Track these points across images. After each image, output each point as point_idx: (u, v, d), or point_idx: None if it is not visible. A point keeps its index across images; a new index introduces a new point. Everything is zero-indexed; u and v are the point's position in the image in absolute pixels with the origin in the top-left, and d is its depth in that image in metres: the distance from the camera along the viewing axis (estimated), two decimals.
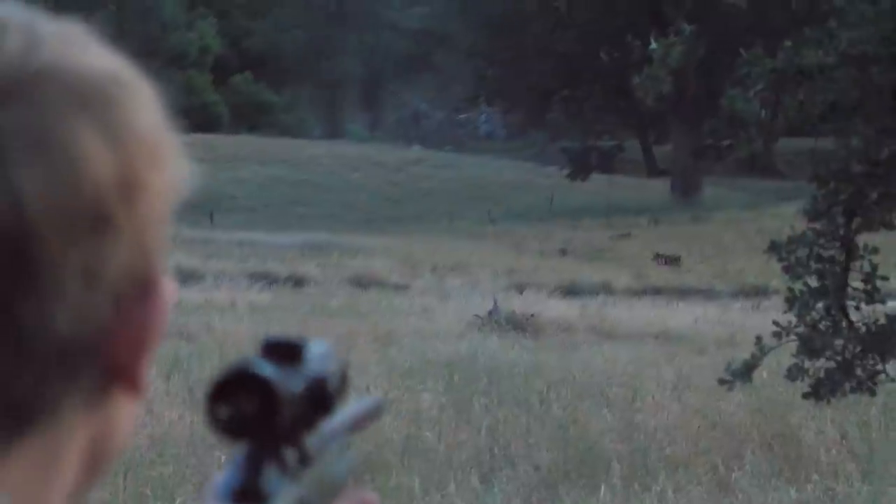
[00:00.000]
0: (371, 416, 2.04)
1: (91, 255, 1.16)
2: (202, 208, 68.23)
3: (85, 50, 1.24)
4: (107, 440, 1.28)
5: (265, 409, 1.46)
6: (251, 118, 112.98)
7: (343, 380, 2.08)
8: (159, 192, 1.23)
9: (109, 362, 1.23)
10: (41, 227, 1.13)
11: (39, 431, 1.20)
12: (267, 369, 1.48)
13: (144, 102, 1.26)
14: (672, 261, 51.07)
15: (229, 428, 1.46)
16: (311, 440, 1.65)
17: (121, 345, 1.22)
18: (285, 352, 1.58)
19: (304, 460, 1.59)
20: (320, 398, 1.61)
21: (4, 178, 1.12)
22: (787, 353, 7.43)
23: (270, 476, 1.49)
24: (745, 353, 7.60)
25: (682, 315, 32.04)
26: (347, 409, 2.00)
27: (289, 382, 1.50)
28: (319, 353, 1.69)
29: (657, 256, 52.32)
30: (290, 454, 1.56)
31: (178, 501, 12.88)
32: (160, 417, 17.66)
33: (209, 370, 20.85)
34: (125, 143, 1.19)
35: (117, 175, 1.17)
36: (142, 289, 1.23)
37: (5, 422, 1.18)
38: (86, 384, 1.22)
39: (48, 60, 1.19)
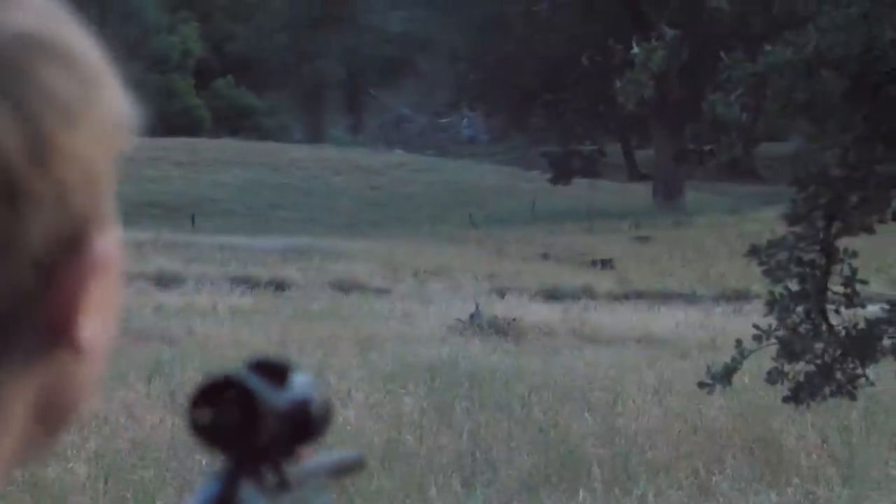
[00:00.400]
0: (351, 468, 2.05)
1: (5, 227, 1.17)
2: (184, 212, 68.28)
3: (5, 8, 1.21)
4: (56, 397, 1.29)
5: (246, 420, 1.48)
6: (233, 122, 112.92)
7: (327, 412, 2.09)
8: (82, 153, 1.22)
9: (44, 324, 1.23)
10: None
11: None
12: (252, 381, 1.51)
13: (64, 61, 1.23)
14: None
15: (209, 435, 1.49)
16: (292, 469, 1.67)
17: (53, 307, 1.23)
18: (272, 372, 1.60)
19: (283, 485, 1.60)
20: (303, 422, 1.62)
21: None
22: (767, 357, 7.46)
23: (248, 492, 1.51)
24: (726, 356, 7.64)
25: (664, 319, 32.10)
26: (330, 455, 2.02)
27: (273, 399, 1.53)
28: (305, 380, 1.72)
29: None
30: (269, 476, 1.58)
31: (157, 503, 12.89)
32: (141, 421, 17.66)
33: (190, 374, 20.87)
34: (34, 109, 1.18)
35: (25, 143, 1.17)
36: (70, 252, 1.23)
37: None
38: (23, 346, 1.23)
39: None
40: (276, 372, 1.61)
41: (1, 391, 1.22)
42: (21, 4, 1.22)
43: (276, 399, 1.56)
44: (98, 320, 1.27)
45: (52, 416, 1.30)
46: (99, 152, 1.24)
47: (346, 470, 2.02)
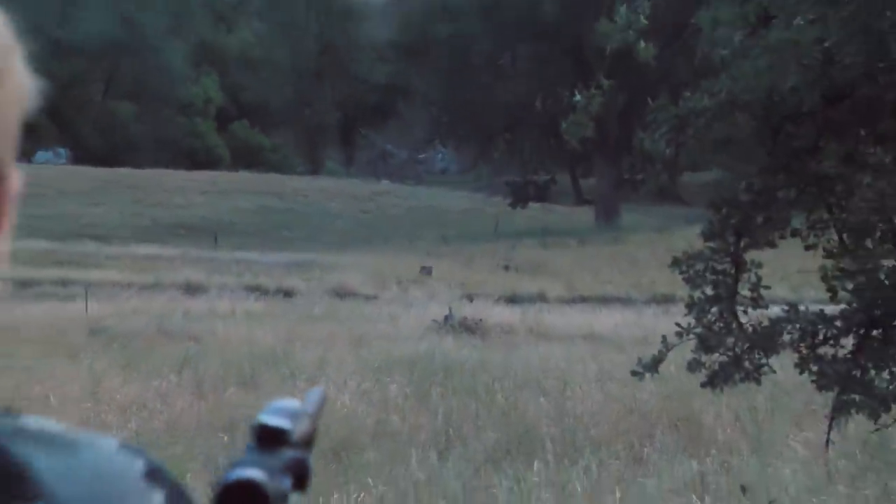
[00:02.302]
0: (321, 407, 2.05)
1: None
2: (207, 232, 68.04)
3: None
4: None
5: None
6: (247, 157, 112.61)
7: (322, 400, 2.10)
8: (2, 111, 1.25)
9: None
10: None
11: None
12: (258, 476, 1.52)
13: None
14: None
15: None
16: None
17: None
18: (272, 436, 1.62)
19: None
20: (300, 476, 1.64)
21: None
22: (688, 350, 7.49)
23: None
24: (655, 350, 7.68)
25: (605, 319, 32.09)
26: (309, 402, 2.01)
27: (273, 477, 1.54)
28: (301, 431, 1.72)
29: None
30: None
31: (188, 476, 12.82)
32: (173, 405, 17.61)
33: (213, 366, 20.82)
34: None
35: None
36: None
37: None
38: None
39: None
40: (275, 436, 1.64)
41: None
42: None
43: (277, 474, 1.58)
44: (7, 236, 1.31)
45: None
46: (13, 111, 1.27)
47: (322, 407, 2.03)
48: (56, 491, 1.21)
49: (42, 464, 1.22)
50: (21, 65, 1.29)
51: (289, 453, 1.63)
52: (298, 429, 1.70)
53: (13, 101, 1.27)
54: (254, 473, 1.52)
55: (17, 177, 1.31)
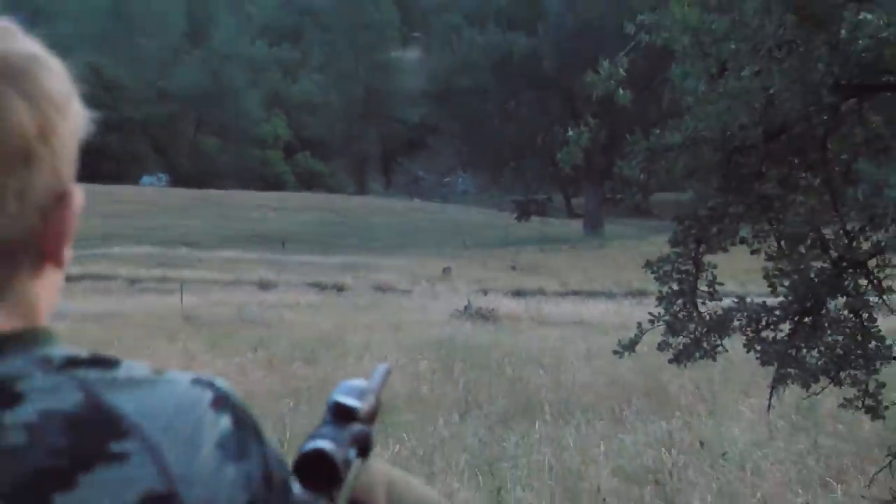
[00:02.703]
0: (386, 380, 2.04)
1: (23, 182, 1.21)
2: (277, 240, 68.16)
3: (10, 38, 1.25)
4: (49, 298, 1.33)
5: (331, 475, 1.53)
6: (308, 181, 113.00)
7: (387, 373, 2.09)
8: (68, 134, 1.27)
9: (42, 249, 1.28)
10: None
11: (9, 295, 1.27)
12: (328, 447, 1.54)
13: (55, 74, 1.27)
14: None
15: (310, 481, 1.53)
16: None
17: (48, 238, 1.28)
18: (344, 413, 1.64)
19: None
20: (364, 447, 1.65)
21: None
22: (658, 334, 7.49)
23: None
24: (631, 333, 7.69)
25: (592, 309, 32.03)
26: (373, 382, 2.00)
27: (341, 448, 1.57)
28: (368, 408, 1.72)
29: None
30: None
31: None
32: (250, 377, 17.60)
33: (282, 346, 20.83)
34: (41, 103, 1.22)
35: (36, 125, 1.21)
36: (59, 200, 1.27)
37: None
38: (29, 264, 1.28)
39: None
40: (346, 413, 1.65)
41: (24, 294, 1.28)
42: (23, 37, 1.27)
43: (344, 445, 1.59)
44: (69, 248, 1.32)
45: (50, 308, 1.35)
46: (74, 139, 1.29)
47: (386, 381, 2.02)
48: (142, 426, 1.22)
49: (129, 405, 1.23)
50: (77, 103, 1.31)
51: (356, 427, 1.64)
52: (365, 406, 1.70)
53: (73, 131, 1.29)
54: (325, 444, 1.54)
55: (79, 193, 1.32)
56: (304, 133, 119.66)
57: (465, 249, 66.37)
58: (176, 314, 27.72)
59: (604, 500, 9.48)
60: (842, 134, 6.97)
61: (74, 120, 1.29)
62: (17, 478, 1.17)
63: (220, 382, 1.34)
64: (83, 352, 1.29)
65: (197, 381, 1.31)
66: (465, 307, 29.97)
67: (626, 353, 7.66)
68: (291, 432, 11.76)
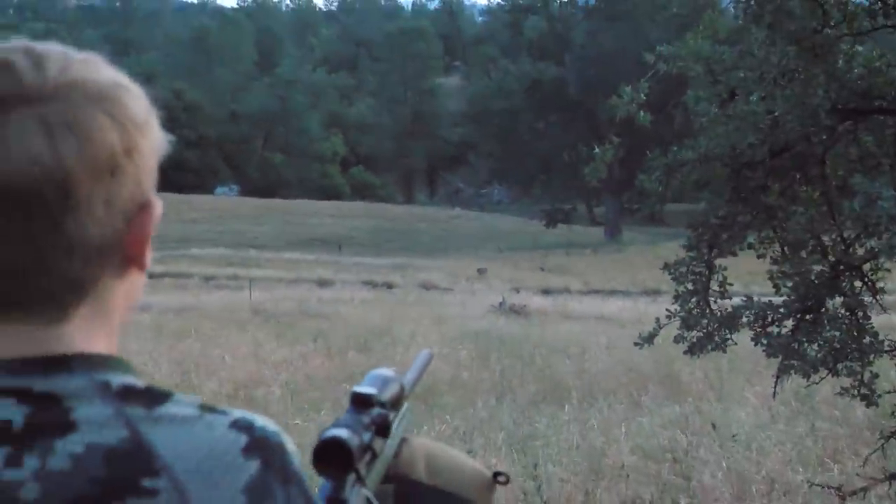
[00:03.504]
0: (428, 365, 2.03)
1: (110, 191, 1.23)
2: (334, 243, 68.35)
3: (99, 68, 1.28)
4: (132, 297, 1.36)
5: (346, 460, 1.52)
6: (362, 192, 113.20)
7: (429, 359, 2.07)
8: (148, 150, 1.29)
9: (125, 253, 1.29)
10: (80, 176, 1.20)
11: (92, 297, 1.28)
12: (342, 434, 1.53)
13: (136, 98, 1.29)
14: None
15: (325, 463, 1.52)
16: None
17: (131, 242, 1.29)
18: (361, 400, 1.63)
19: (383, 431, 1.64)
20: (382, 427, 1.63)
21: (53, 147, 1.18)
22: (673, 328, 7.46)
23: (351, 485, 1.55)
24: (646, 328, 7.66)
25: (612, 305, 31.95)
26: (415, 366, 1.98)
27: (356, 433, 1.55)
28: (390, 394, 1.71)
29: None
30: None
31: (322, 413, 12.86)
32: (311, 363, 17.67)
33: (338, 337, 20.88)
34: (126, 123, 1.25)
35: (121, 142, 1.23)
36: (141, 208, 1.29)
37: (68, 295, 1.26)
38: (113, 266, 1.29)
39: (75, 75, 1.24)
40: (364, 399, 1.64)
41: (108, 292, 1.30)
42: (108, 66, 1.30)
43: (362, 429, 1.59)
44: (150, 251, 1.34)
45: (129, 308, 1.37)
46: (154, 156, 1.31)
47: (425, 369, 2.01)
48: (173, 465, 1.21)
49: (165, 444, 1.23)
50: (156, 124, 1.33)
51: (374, 411, 1.63)
52: (385, 393, 1.69)
53: (153, 148, 1.31)
54: (339, 432, 1.53)
55: (158, 203, 1.34)
56: (359, 149, 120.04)
57: (499, 253, 66.32)
58: (245, 308, 27.83)
59: (627, 475, 9.45)
60: (838, 152, 6.93)
61: (154, 138, 1.31)
62: (58, 500, 1.19)
63: (261, 423, 1.30)
64: (140, 382, 1.30)
65: (235, 424, 1.28)
66: (500, 303, 29.95)
67: (646, 345, 7.63)
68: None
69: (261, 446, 1.27)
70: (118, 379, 1.28)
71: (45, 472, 1.20)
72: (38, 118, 1.19)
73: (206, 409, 1.29)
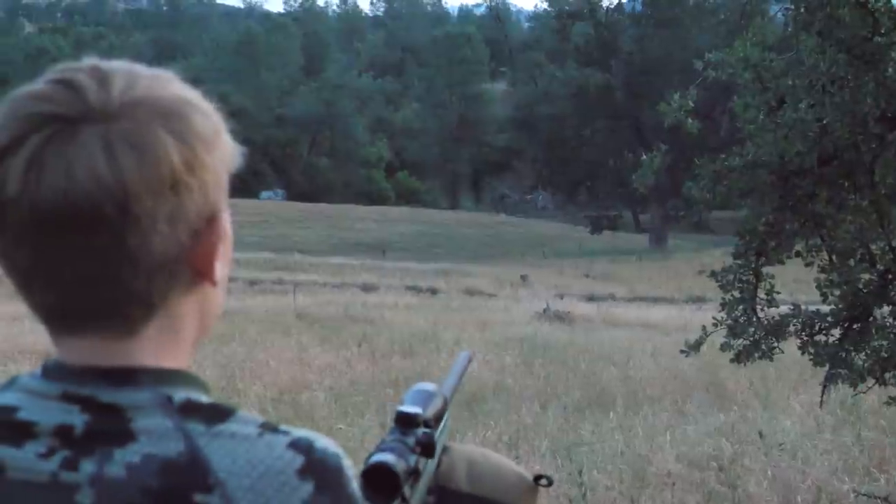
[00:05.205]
0: (467, 367, 2.05)
1: (172, 206, 1.24)
2: (378, 248, 68.45)
3: (166, 85, 1.30)
4: (206, 312, 1.38)
5: (392, 485, 1.55)
6: (407, 197, 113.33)
7: (469, 361, 2.08)
8: (214, 166, 1.30)
9: (194, 267, 1.32)
10: (139, 192, 1.21)
11: (162, 312, 1.31)
12: (389, 459, 1.57)
13: (203, 113, 1.31)
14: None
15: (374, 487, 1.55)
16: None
17: (199, 256, 1.31)
18: (407, 420, 1.66)
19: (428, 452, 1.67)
20: (427, 448, 1.66)
21: (112, 165, 1.21)
22: (719, 336, 7.45)
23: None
24: (691, 336, 7.65)
25: (656, 313, 31.78)
26: (454, 369, 2.00)
27: (402, 457, 1.59)
28: (433, 411, 1.76)
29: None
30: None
31: (366, 416, 12.88)
32: (355, 368, 17.67)
33: (383, 341, 20.89)
34: (189, 139, 1.26)
35: (184, 159, 1.25)
36: (208, 222, 1.31)
37: (137, 309, 1.29)
38: (182, 281, 1.31)
39: (140, 93, 1.27)
40: (409, 420, 1.68)
41: (179, 308, 1.33)
42: (179, 83, 1.33)
43: (408, 452, 1.62)
44: (223, 266, 1.37)
45: (205, 324, 1.40)
46: (222, 168, 1.33)
47: (465, 371, 2.02)
48: (228, 483, 1.23)
49: (222, 461, 1.25)
50: (227, 139, 1.35)
51: (419, 431, 1.65)
52: (429, 411, 1.70)
53: (222, 162, 1.33)
54: (387, 458, 1.56)
55: (227, 217, 1.38)
56: (404, 155, 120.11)
57: (544, 259, 66.21)
58: (290, 312, 27.90)
59: (673, 483, 9.43)
60: (887, 160, 6.90)
61: (223, 153, 1.33)
62: None
63: (322, 444, 1.31)
64: (204, 398, 1.33)
65: (294, 445, 1.29)
66: (545, 309, 29.88)
67: (692, 353, 7.62)
68: (391, 417, 11.80)
69: (317, 468, 1.27)
70: (182, 394, 1.30)
71: (101, 479, 1.24)
72: (100, 137, 1.22)
73: (268, 427, 1.30)
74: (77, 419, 1.27)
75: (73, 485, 1.24)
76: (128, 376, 1.29)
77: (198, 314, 1.38)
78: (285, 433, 1.29)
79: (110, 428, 1.26)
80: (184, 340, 1.37)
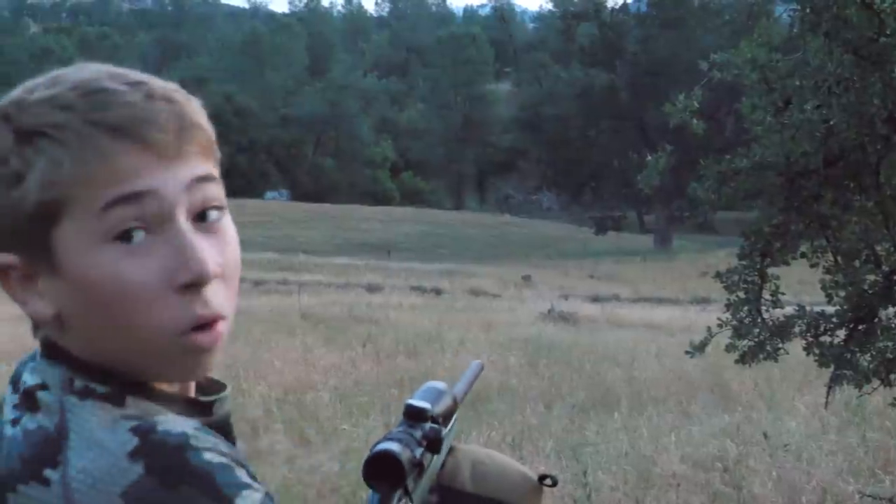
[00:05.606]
0: (478, 376, 2.04)
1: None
2: (383, 248, 68.42)
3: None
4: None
5: (396, 474, 1.53)
6: (411, 198, 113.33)
7: (480, 369, 2.08)
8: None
9: None
10: None
11: None
12: (393, 448, 1.55)
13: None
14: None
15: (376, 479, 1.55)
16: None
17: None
18: (415, 413, 1.65)
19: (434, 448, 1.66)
20: (434, 443, 1.64)
21: None
22: (723, 337, 7.43)
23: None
24: (696, 337, 7.64)
25: (661, 313, 31.75)
26: (466, 376, 2.00)
27: (407, 447, 1.57)
28: (442, 408, 1.74)
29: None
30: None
31: (371, 416, 12.88)
32: (360, 368, 17.67)
33: (387, 342, 20.88)
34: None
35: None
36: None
37: None
38: None
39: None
40: (417, 413, 1.66)
41: None
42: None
43: (414, 444, 1.60)
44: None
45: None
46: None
47: (476, 379, 2.02)
48: (73, 462, 1.21)
49: (79, 439, 1.23)
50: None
51: (427, 426, 1.64)
52: (438, 407, 1.70)
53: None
54: (392, 446, 1.54)
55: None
56: (409, 155, 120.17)
57: (548, 259, 66.17)
58: (295, 312, 27.90)
59: (678, 484, 9.43)
60: (893, 161, 6.90)
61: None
62: None
63: (165, 427, 1.24)
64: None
65: (135, 428, 1.23)
66: (549, 310, 29.86)
67: (697, 354, 7.61)
68: (395, 417, 11.81)
69: (150, 450, 1.20)
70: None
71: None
72: None
73: (133, 417, 1.25)
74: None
75: None
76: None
77: None
78: (139, 417, 1.24)
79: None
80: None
